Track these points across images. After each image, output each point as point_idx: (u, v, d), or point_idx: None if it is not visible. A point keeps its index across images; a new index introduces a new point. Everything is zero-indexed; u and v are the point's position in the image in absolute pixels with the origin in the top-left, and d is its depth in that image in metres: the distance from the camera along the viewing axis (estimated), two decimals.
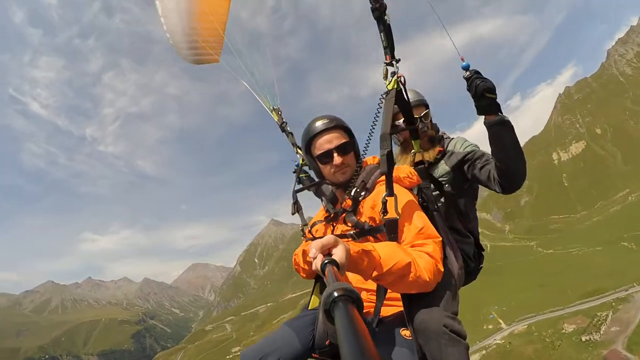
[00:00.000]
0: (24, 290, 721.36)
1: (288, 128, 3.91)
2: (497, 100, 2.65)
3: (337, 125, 2.73)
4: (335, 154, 2.67)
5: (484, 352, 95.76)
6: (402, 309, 2.30)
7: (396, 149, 3.69)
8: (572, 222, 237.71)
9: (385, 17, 2.57)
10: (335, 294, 0.96)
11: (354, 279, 2.50)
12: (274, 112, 4.02)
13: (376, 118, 2.51)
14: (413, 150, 3.09)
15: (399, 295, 2.31)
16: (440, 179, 3.34)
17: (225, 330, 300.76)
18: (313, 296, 2.89)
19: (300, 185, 3.21)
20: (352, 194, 2.61)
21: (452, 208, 3.23)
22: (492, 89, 2.58)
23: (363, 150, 2.71)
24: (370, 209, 2.55)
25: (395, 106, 2.62)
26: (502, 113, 2.71)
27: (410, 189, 2.74)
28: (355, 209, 2.63)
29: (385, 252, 1.97)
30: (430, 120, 3.59)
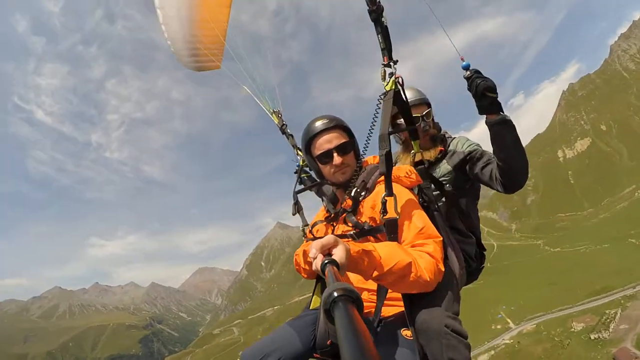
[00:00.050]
0: (31, 296, 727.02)
1: (288, 130, 3.94)
2: (498, 99, 2.65)
3: (336, 125, 2.73)
4: (335, 154, 2.67)
5: (492, 352, 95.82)
6: (403, 309, 2.29)
7: (398, 148, 3.73)
8: (579, 219, 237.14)
9: (383, 19, 2.58)
10: (335, 294, 0.96)
11: (355, 279, 2.51)
12: (274, 114, 4.05)
13: (375, 119, 2.52)
14: (413, 151, 3.11)
15: (399, 295, 2.31)
16: (442, 179, 3.35)
17: (233, 334, 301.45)
18: (314, 296, 2.90)
19: (301, 186, 3.23)
20: (352, 194, 2.61)
21: (454, 208, 3.23)
22: (492, 88, 2.58)
23: (363, 150, 2.71)
24: (370, 209, 2.55)
25: (395, 107, 2.65)
26: (503, 112, 2.71)
27: (411, 189, 2.74)
28: (355, 209, 2.63)
29: (386, 252, 1.97)
30: (432, 119, 3.58)
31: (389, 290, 2.32)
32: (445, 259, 2.47)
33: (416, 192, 2.87)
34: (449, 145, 3.51)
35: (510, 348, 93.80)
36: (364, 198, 2.63)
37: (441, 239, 2.37)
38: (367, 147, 2.67)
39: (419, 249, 2.23)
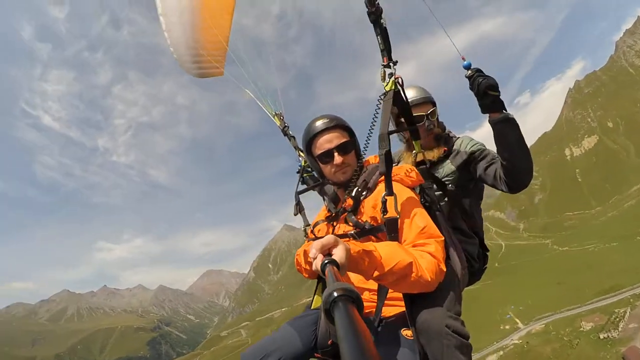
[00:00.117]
0: (39, 300, 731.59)
1: (290, 132, 3.98)
2: (501, 97, 2.64)
3: (337, 124, 2.72)
4: (335, 154, 2.66)
5: (501, 352, 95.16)
6: (403, 308, 2.28)
7: (402, 147, 3.73)
8: (587, 218, 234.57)
9: (382, 21, 2.59)
10: (335, 294, 0.96)
11: (356, 279, 2.50)
12: (276, 117, 4.08)
13: (374, 119, 2.53)
14: (414, 151, 3.10)
15: (400, 295, 2.30)
16: (445, 179, 3.33)
17: (241, 336, 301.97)
18: (316, 295, 2.90)
19: (303, 186, 3.23)
20: (353, 193, 2.60)
21: (456, 208, 3.24)
22: (494, 86, 2.57)
23: (363, 148, 2.72)
24: (371, 208, 2.54)
25: (395, 107, 2.68)
26: (506, 110, 2.70)
27: (413, 189, 2.72)
28: (356, 208, 2.62)
29: (387, 252, 1.96)
30: (437, 119, 3.56)
31: (390, 290, 2.31)
32: (447, 259, 2.46)
33: (418, 191, 2.85)
34: (453, 145, 3.48)
35: (519, 348, 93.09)
36: (365, 197, 2.62)
37: (443, 238, 2.36)
38: (367, 147, 2.67)
39: (420, 249, 2.22)
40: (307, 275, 2.72)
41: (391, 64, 2.66)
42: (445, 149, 3.45)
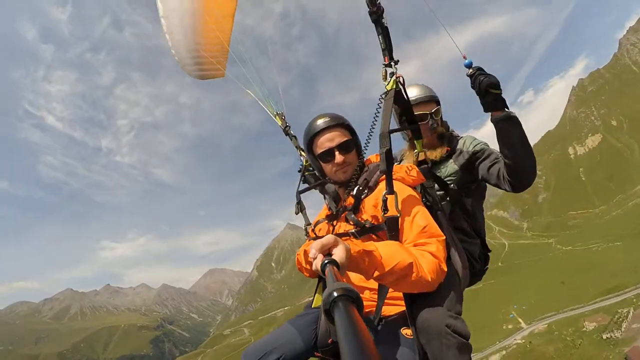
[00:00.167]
0: (43, 298, 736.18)
1: (292, 132, 3.97)
2: (503, 95, 2.63)
3: (338, 123, 2.71)
4: (336, 152, 2.65)
5: (504, 352, 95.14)
6: (404, 308, 2.29)
7: (405, 145, 3.71)
8: (591, 217, 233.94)
9: (383, 20, 2.60)
10: (335, 294, 0.96)
11: (356, 278, 2.49)
12: (277, 116, 4.08)
13: (376, 118, 2.53)
14: (416, 150, 3.07)
15: (400, 295, 2.31)
16: (448, 178, 3.33)
17: (244, 335, 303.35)
18: (316, 294, 2.92)
19: (305, 185, 3.24)
20: (354, 192, 2.60)
21: (458, 208, 3.23)
22: (496, 85, 2.56)
23: (364, 147, 2.71)
24: (372, 207, 2.53)
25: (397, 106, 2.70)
26: (508, 109, 2.68)
27: (414, 188, 2.71)
28: (356, 207, 2.62)
29: (387, 251, 1.96)
30: (441, 118, 3.54)
31: (390, 290, 2.31)
32: (448, 258, 2.45)
33: (419, 191, 2.85)
34: (456, 145, 3.45)
35: (522, 348, 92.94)
36: (365, 196, 2.61)
37: (444, 238, 2.35)
38: (368, 146, 2.66)
39: (422, 248, 2.21)
40: (308, 275, 2.71)
41: (392, 63, 2.66)
42: (448, 148, 3.42)
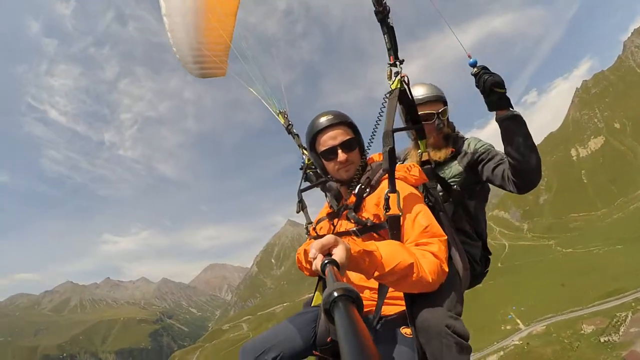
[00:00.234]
0: (43, 291, 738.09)
1: (294, 130, 3.99)
2: (507, 95, 2.62)
3: (341, 121, 2.68)
4: (339, 151, 2.63)
5: (501, 353, 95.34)
6: (404, 307, 2.28)
7: (410, 144, 3.70)
8: (592, 219, 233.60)
9: (389, 20, 2.59)
10: (335, 294, 0.96)
11: (357, 277, 2.48)
12: (280, 114, 4.10)
13: (379, 117, 2.51)
14: (419, 150, 3.05)
15: (401, 294, 2.30)
16: (452, 179, 3.30)
17: (242, 330, 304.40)
18: (316, 293, 2.91)
19: (307, 184, 3.23)
20: (356, 190, 2.60)
21: (460, 209, 3.21)
22: (500, 84, 2.55)
23: (367, 145, 2.69)
24: (374, 205, 2.52)
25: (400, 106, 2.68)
26: (513, 108, 2.68)
27: (417, 187, 2.69)
28: (358, 205, 2.61)
29: (388, 251, 1.95)
30: (447, 118, 3.50)
31: (390, 289, 2.30)
32: (449, 259, 2.44)
33: (422, 190, 2.81)
34: (461, 146, 3.42)
35: (520, 349, 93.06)
36: (367, 195, 2.60)
37: (446, 238, 2.34)
38: (371, 144, 2.65)
39: (423, 248, 2.20)
40: (308, 274, 2.69)
41: (397, 63, 2.66)
42: (453, 149, 3.40)
